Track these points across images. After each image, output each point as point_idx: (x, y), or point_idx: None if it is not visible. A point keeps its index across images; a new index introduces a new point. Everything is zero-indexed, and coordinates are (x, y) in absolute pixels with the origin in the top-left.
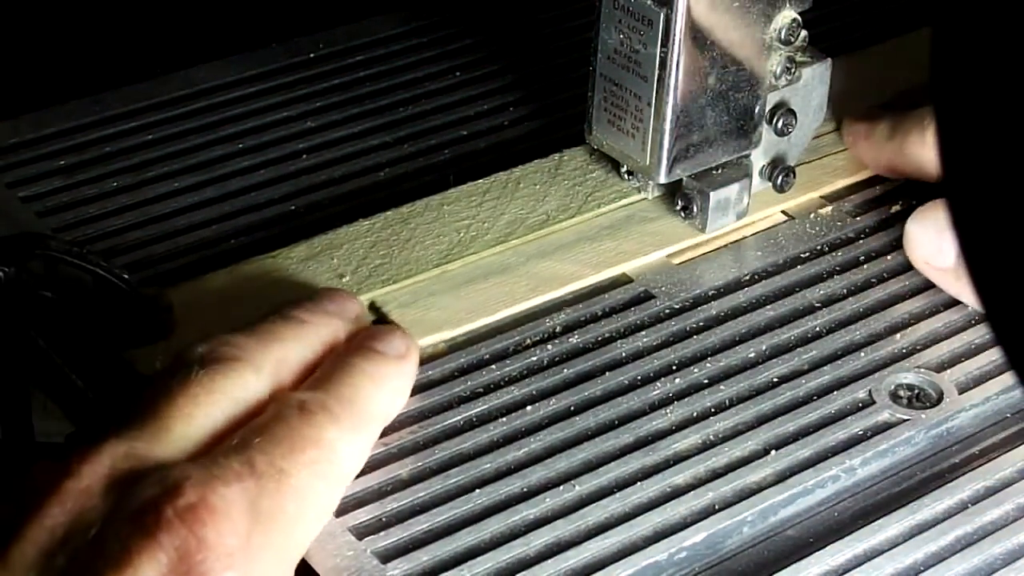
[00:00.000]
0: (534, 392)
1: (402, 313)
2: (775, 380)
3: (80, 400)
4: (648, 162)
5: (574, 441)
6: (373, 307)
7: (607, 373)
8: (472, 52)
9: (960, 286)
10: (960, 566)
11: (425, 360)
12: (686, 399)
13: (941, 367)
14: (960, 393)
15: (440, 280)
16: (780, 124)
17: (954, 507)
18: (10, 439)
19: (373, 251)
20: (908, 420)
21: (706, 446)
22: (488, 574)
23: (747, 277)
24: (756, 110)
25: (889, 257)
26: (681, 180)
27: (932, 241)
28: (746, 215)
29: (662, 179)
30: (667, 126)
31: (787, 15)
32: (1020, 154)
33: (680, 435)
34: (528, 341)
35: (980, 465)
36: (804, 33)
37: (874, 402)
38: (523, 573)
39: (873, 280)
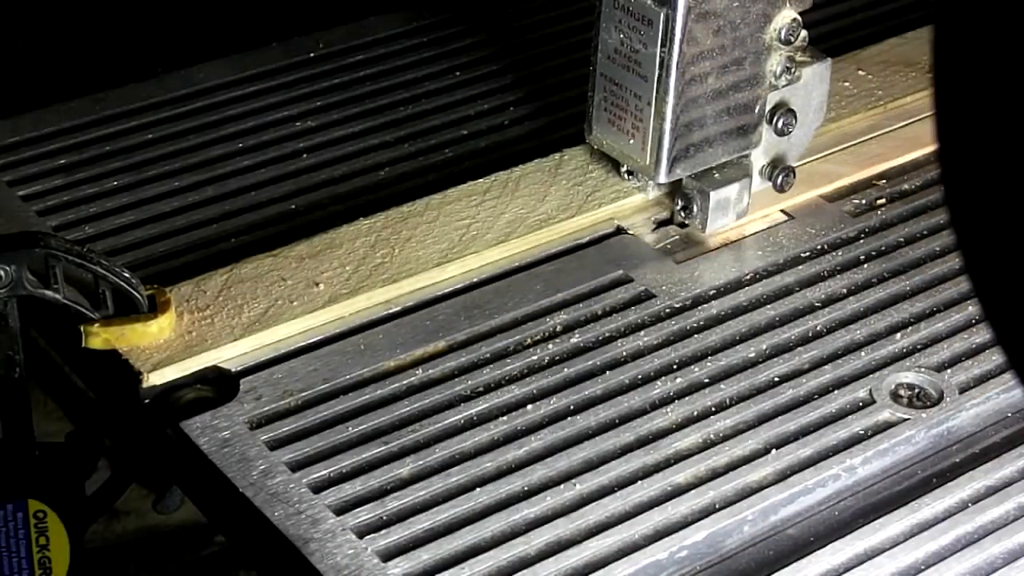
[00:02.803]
0: (534, 391)
1: None
2: (776, 379)
3: (80, 400)
4: (648, 162)
5: (575, 440)
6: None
7: (608, 372)
8: (472, 52)
9: None
10: (960, 565)
11: (425, 360)
12: (687, 398)
13: (941, 367)
14: (960, 393)
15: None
16: (780, 124)
17: (954, 507)
18: (10, 439)
19: (373, 250)
20: (908, 420)
21: (707, 445)
22: (489, 573)
23: (747, 277)
24: (756, 110)
25: (889, 257)
26: (681, 180)
27: None
28: (746, 215)
29: (662, 179)
30: (667, 126)
31: (787, 15)
32: (1019, 159)
33: (681, 434)
34: (528, 341)
35: (980, 465)
36: (804, 33)
37: (874, 401)
38: (524, 572)
39: (873, 280)
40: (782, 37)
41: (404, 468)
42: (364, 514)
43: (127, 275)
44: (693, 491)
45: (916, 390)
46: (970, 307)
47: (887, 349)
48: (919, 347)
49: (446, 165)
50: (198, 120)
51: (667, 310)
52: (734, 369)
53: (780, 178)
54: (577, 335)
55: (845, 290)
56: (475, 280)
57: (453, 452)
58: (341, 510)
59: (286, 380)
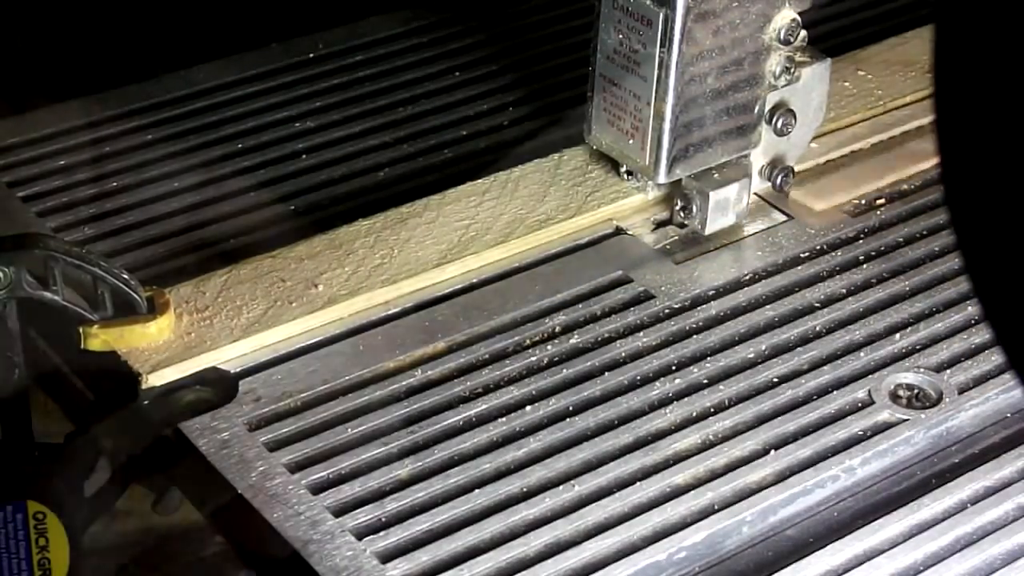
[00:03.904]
0: (534, 392)
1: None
2: (775, 380)
3: (80, 400)
4: (648, 162)
5: (574, 441)
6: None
7: (607, 373)
8: (472, 52)
9: None
10: (960, 566)
11: (424, 361)
12: (686, 399)
13: (941, 367)
14: (959, 393)
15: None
16: (780, 124)
17: (953, 507)
18: (10, 439)
19: (372, 251)
20: (908, 420)
21: (706, 446)
22: (488, 574)
23: (747, 277)
24: (755, 110)
25: (889, 257)
26: (680, 180)
27: None
28: (746, 215)
29: (662, 179)
30: (666, 126)
31: (787, 15)
32: (1019, 158)
33: (680, 435)
34: (528, 341)
35: (979, 465)
36: (804, 33)
37: (874, 402)
38: (523, 573)
39: (872, 280)
40: (781, 37)
41: (403, 469)
42: (363, 515)
43: (126, 276)
44: (692, 492)
45: (915, 390)
46: (970, 307)
47: (886, 349)
48: (918, 347)
49: (446, 165)
50: (198, 120)
51: (666, 311)
52: (733, 370)
53: (780, 178)
54: (576, 336)
55: (844, 290)
56: (474, 281)
57: (452, 453)
58: (340, 511)
59: (285, 381)
